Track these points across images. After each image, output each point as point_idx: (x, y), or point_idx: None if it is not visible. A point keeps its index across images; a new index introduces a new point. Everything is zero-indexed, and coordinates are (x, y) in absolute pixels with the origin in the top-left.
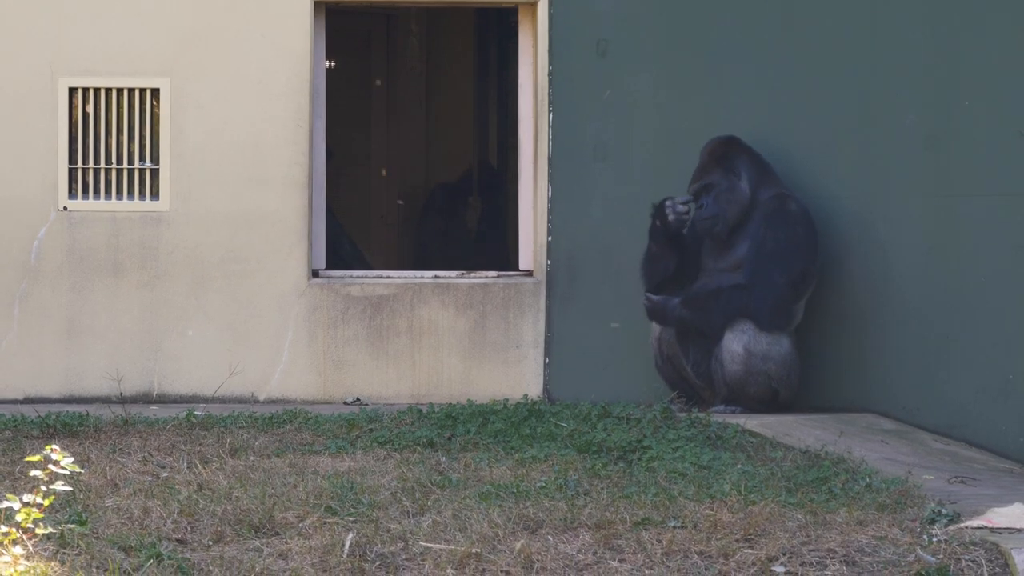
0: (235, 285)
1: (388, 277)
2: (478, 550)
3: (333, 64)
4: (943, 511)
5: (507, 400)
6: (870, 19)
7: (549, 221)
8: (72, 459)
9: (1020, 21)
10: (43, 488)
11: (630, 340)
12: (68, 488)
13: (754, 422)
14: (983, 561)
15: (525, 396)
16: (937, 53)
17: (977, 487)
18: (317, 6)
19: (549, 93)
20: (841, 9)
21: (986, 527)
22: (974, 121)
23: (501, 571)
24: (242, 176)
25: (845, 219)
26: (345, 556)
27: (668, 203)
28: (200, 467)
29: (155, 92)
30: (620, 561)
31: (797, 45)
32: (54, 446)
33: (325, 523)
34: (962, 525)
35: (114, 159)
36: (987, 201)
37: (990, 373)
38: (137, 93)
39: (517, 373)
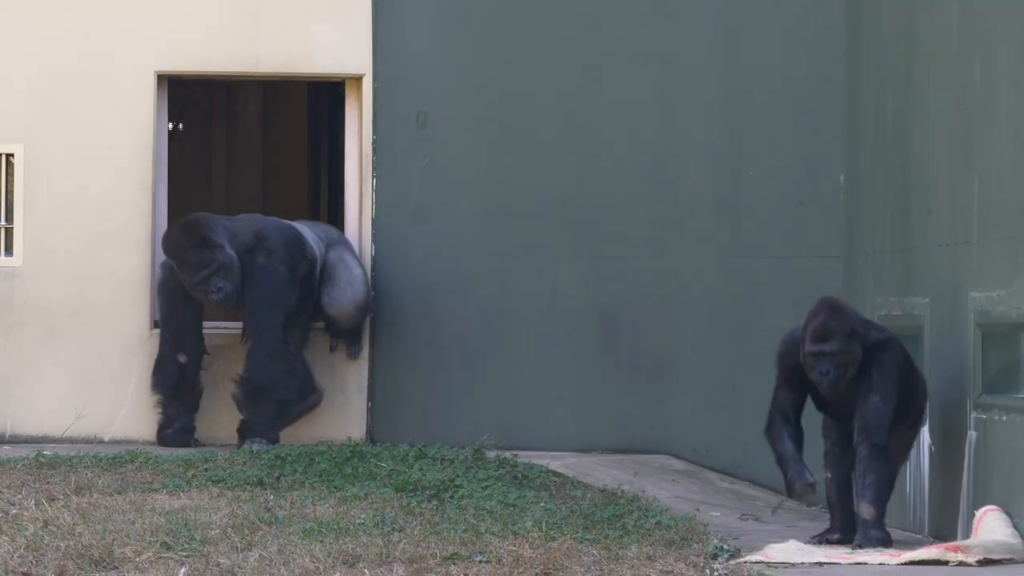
0: (83, 335)
1: (224, 328)
2: None
3: (181, 126)
4: (725, 547)
5: (331, 442)
6: (665, 91)
7: (373, 277)
8: None
9: (800, 97)
10: None
11: (445, 386)
12: None
13: (557, 463)
14: None
15: (349, 438)
16: (725, 126)
17: (762, 524)
18: (160, 78)
19: (373, 160)
20: (639, 81)
21: (763, 561)
22: (758, 189)
23: None
24: (90, 235)
25: (640, 276)
26: None
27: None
28: (46, 504)
29: (9, 156)
30: None
31: (598, 117)
32: None
33: (160, 558)
34: (742, 560)
35: None
36: (770, 262)
37: None
38: None
39: (343, 416)
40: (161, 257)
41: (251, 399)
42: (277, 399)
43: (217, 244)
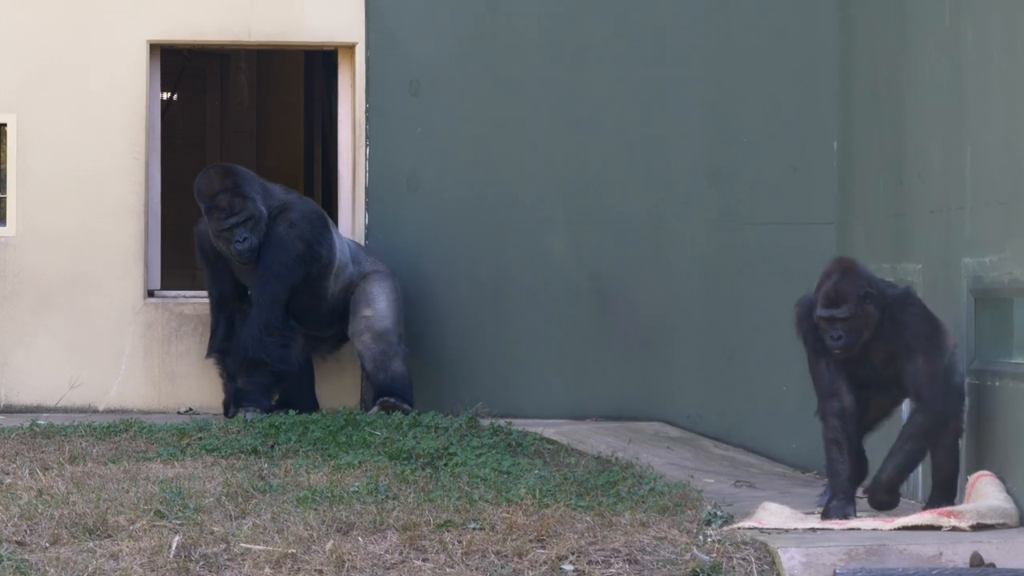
0: (77, 304)
1: None
2: (294, 551)
3: (175, 96)
4: (719, 513)
5: (326, 410)
6: (658, 59)
7: (367, 246)
8: None
9: (793, 63)
10: None
11: (439, 354)
12: None
13: (551, 430)
14: (752, 559)
15: (343, 406)
16: (718, 94)
17: (756, 490)
18: (153, 48)
19: (366, 129)
20: (632, 50)
21: (757, 528)
22: (751, 156)
23: (315, 570)
24: (84, 204)
25: (634, 244)
26: (171, 557)
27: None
28: (40, 474)
29: (2, 126)
30: (424, 560)
31: (591, 86)
32: None
33: (154, 526)
34: (735, 526)
35: None
36: (763, 229)
37: (766, 385)
38: None
39: (337, 385)
40: (155, 226)
41: (245, 369)
42: (272, 370)
43: (249, 195)
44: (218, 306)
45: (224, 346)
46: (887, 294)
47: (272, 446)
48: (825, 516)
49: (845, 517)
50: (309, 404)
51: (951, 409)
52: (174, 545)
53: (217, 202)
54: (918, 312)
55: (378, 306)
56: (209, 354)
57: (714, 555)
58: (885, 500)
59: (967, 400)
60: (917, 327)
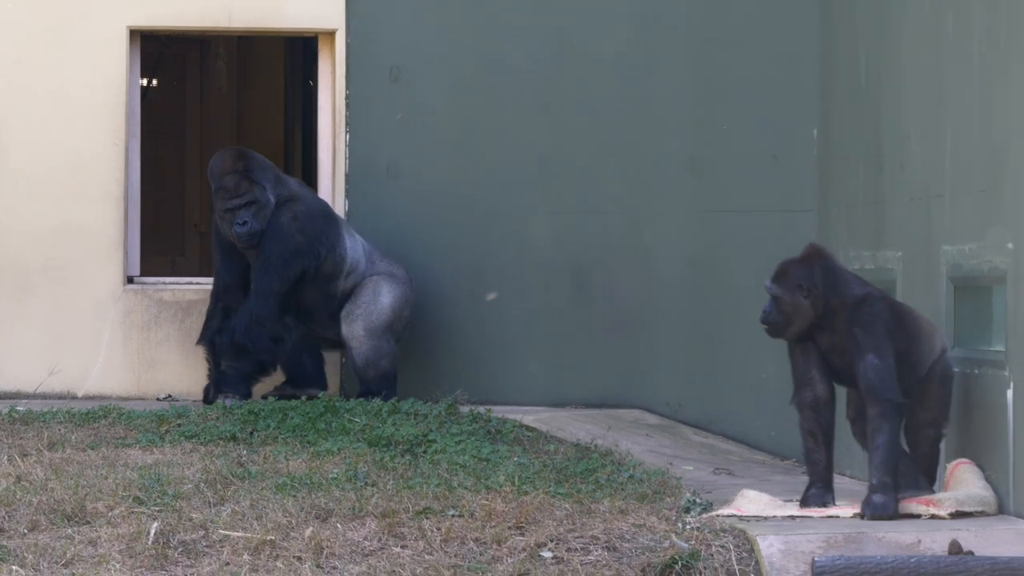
0: (56, 291)
1: (197, 283)
2: (272, 537)
3: (154, 82)
4: (698, 500)
5: (305, 397)
6: (639, 48)
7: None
8: None
9: (774, 53)
10: None
11: (418, 340)
12: None
13: (531, 417)
14: (731, 547)
15: (322, 393)
16: (699, 82)
17: (735, 477)
18: (132, 34)
19: (346, 115)
20: (613, 38)
21: (736, 515)
22: (732, 143)
23: (293, 557)
24: (63, 191)
25: (614, 232)
26: (150, 543)
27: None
28: (19, 460)
29: None
30: (403, 547)
31: (572, 72)
32: None
33: (133, 512)
34: (714, 513)
35: None
36: (743, 217)
37: (745, 372)
38: None
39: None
40: (135, 212)
41: (232, 353)
42: (257, 360)
43: (257, 181)
44: (218, 295)
45: (216, 337)
46: (847, 293)
47: (251, 433)
48: (803, 504)
49: (823, 505)
50: (319, 383)
51: (923, 403)
52: (152, 531)
53: (224, 183)
54: (875, 312)
55: (380, 303)
56: (200, 341)
57: (693, 542)
58: (882, 501)
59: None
60: (870, 328)
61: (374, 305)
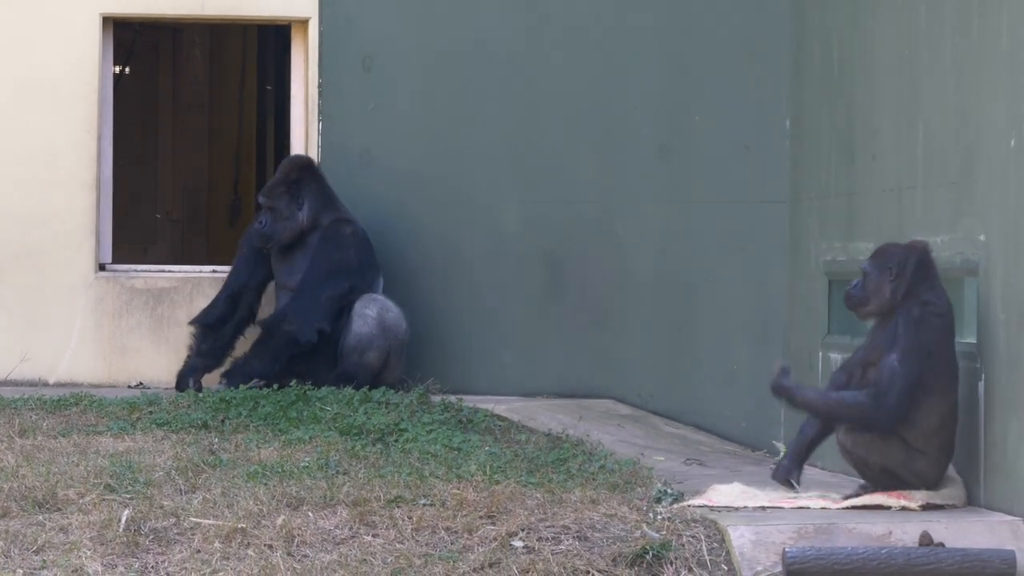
0: (28, 278)
1: (169, 271)
2: (244, 525)
3: (127, 70)
4: (669, 491)
5: (276, 385)
6: (611, 36)
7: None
8: None
9: (746, 42)
10: None
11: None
12: None
13: (502, 407)
14: (702, 537)
15: (295, 381)
16: (671, 71)
17: (706, 468)
18: (105, 21)
19: (319, 104)
20: (585, 26)
21: (707, 505)
22: (704, 134)
23: (265, 545)
24: (35, 177)
25: (585, 221)
26: (121, 531)
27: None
28: None
29: None
30: (374, 536)
31: (543, 61)
32: None
33: (104, 500)
34: (685, 504)
35: None
36: (715, 207)
37: (716, 363)
38: None
39: None
40: (107, 200)
41: (267, 339)
42: (293, 352)
43: (296, 196)
44: (230, 289)
45: (211, 323)
46: (921, 298)
47: (223, 421)
48: (773, 476)
49: (787, 480)
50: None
51: None
52: (124, 519)
53: (271, 182)
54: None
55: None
56: (193, 321)
57: (664, 533)
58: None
59: None
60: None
61: (387, 313)
